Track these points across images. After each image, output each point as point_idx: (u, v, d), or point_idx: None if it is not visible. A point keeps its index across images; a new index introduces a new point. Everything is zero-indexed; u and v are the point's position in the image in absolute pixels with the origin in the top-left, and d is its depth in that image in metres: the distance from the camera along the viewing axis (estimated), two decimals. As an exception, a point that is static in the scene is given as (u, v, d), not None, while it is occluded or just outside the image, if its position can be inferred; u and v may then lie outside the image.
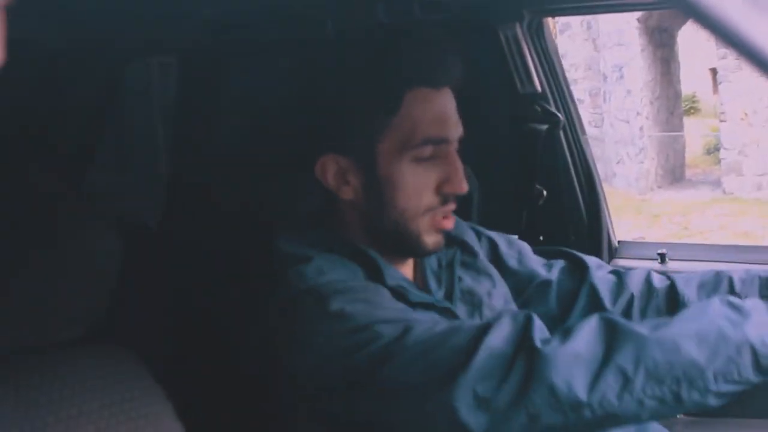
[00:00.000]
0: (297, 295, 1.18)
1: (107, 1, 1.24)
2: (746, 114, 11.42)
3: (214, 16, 1.48)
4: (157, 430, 1.14)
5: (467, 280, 1.36)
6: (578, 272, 1.46)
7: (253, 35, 1.64)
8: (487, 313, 1.33)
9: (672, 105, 13.17)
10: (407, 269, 1.34)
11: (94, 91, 1.81)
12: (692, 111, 18.66)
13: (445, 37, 1.35)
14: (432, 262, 1.36)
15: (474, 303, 1.34)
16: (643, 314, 1.43)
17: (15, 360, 1.09)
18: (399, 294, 1.22)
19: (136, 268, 1.23)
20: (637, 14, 12.24)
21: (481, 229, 1.50)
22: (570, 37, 13.36)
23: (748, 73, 11.42)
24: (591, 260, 1.49)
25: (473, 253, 1.40)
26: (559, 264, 1.47)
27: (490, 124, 1.75)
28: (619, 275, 1.47)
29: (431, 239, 1.26)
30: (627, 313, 1.43)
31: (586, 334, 1.05)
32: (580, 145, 1.74)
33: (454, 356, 1.05)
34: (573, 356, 1.02)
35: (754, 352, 1.02)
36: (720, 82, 11.85)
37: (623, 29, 12.46)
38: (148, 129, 1.96)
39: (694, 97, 19.23)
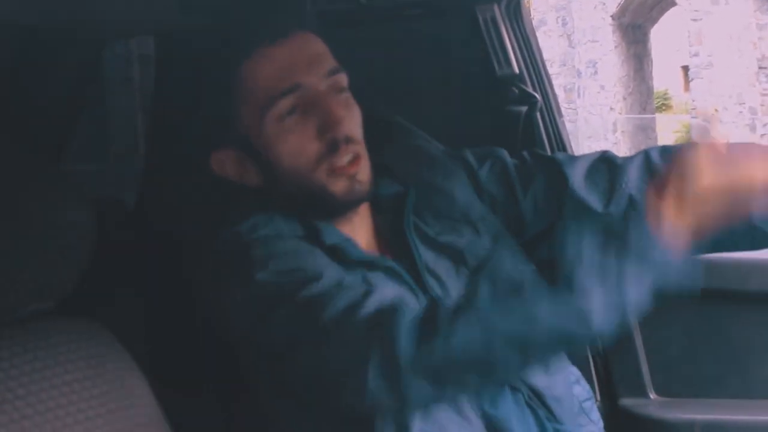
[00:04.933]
0: (229, 256, 1.21)
1: None
2: (717, 110, 11.55)
3: None
4: (131, 404, 1.14)
5: (446, 232, 1.31)
6: (558, 187, 1.33)
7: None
8: (472, 262, 1.29)
9: (644, 101, 13.29)
10: (357, 228, 1.30)
11: (70, 70, 1.79)
12: (664, 107, 18.84)
13: None
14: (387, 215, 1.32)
15: (455, 258, 1.29)
16: None
17: None
18: (337, 253, 1.21)
19: (110, 244, 1.21)
20: (612, 11, 12.33)
21: (465, 152, 1.39)
22: (545, 33, 13.44)
23: (719, 70, 11.56)
24: (574, 169, 1.33)
25: (448, 198, 1.34)
26: (536, 182, 1.34)
27: (468, 106, 1.75)
28: (613, 171, 1.30)
29: (339, 187, 1.22)
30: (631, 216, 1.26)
31: None
32: (557, 127, 1.74)
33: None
34: None
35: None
36: (691, 79, 11.98)
37: (597, 26, 12.55)
38: (128, 115, 1.95)
39: (666, 93, 19.41)
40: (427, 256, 1.28)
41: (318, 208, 1.25)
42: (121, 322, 1.22)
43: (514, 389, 1.25)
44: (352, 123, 1.23)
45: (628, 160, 1.31)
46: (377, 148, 1.36)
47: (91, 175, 1.88)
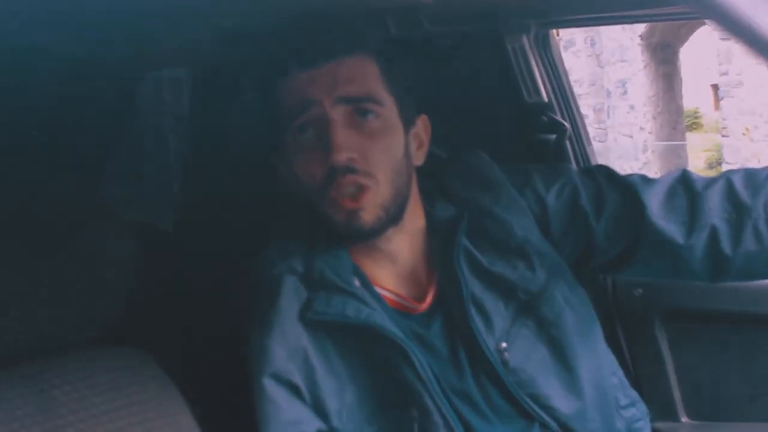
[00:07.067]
0: (244, 294, 1.28)
1: (123, 11, 1.25)
2: (748, 129, 11.45)
3: (229, 28, 1.49)
4: (175, 430, 1.16)
5: (499, 262, 1.26)
6: (633, 215, 1.27)
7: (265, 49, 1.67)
8: (523, 297, 1.25)
9: (674, 120, 13.21)
10: (392, 254, 1.28)
11: (109, 100, 1.84)
12: (694, 126, 18.71)
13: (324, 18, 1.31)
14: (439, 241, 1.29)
15: (505, 291, 1.25)
16: (736, 243, 1.22)
17: (35, 360, 1.12)
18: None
19: (151, 271, 1.24)
20: (640, 31, 12.29)
21: (532, 176, 1.34)
22: (574, 53, 13.40)
23: (749, 88, 11.47)
24: (650, 195, 1.27)
25: (505, 227, 1.28)
26: (609, 207, 1.30)
27: (498, 134, 1.77)
28: (693, 199, 1.25)
29: (340, 218, 1.22)
30: (712, 250, 1.23)
31: None
32: (586, 155, 1.76)
33: None
34: None
35: None
36: (721, 98, 11.88)
37: (626, 46, 12.51)
38: (160, 139, 1.99)
39: (696, 112, 19.29)
40: (475, 285, 1.25)
41: (331, 233, 1.25)
42: (164, 349, 1.24)
43: (544, 426, 1.23)
44: (363, 153, 1.20)
45: (708, 185, 1.26)
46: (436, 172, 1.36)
47: (125, 193, 1.92)
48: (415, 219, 1.30)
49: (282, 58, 1.26)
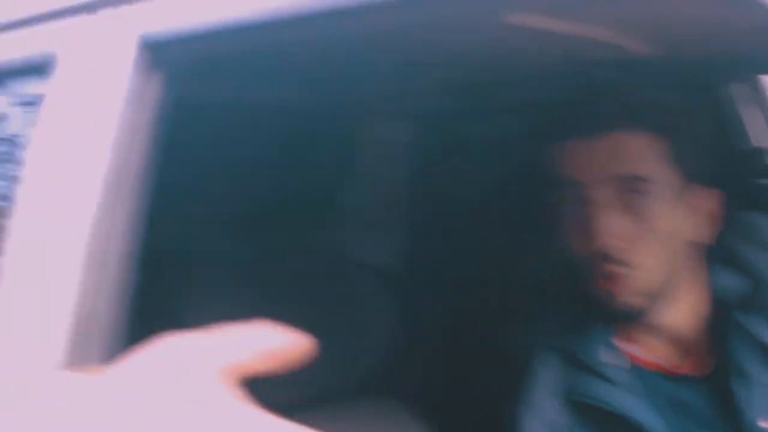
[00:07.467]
0: (497, 364, 1.26)
1: (349, 67, 1.30)
2: None
3: (455, 79, 1.50)
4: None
5: None
6: None
7: (494, 97, 1.66)
8: None
9: None
10: (663, 326, 1.23)
11: (337, 149, 1.93)
12: None
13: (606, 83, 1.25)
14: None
15: None
16: None
17: (306, 412, 1.19)
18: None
19: (404, 322, 1.29)
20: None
21: None
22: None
23: None
24: None
25: None
26: None
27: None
28: None
29: (600, 297, 1.18)
30: None
31: None
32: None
33: None
34: None
35: None
36: None
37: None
38: (386, 182, 2.06)
39: None
40: (746, 358, 1.19)
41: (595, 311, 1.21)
42: (418, 398, 1.28)
43: None
44: (628, 238, 1.15)
45: None
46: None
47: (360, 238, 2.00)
48: (690, 293, 1.26)
49: (544, 126, 1.25)
